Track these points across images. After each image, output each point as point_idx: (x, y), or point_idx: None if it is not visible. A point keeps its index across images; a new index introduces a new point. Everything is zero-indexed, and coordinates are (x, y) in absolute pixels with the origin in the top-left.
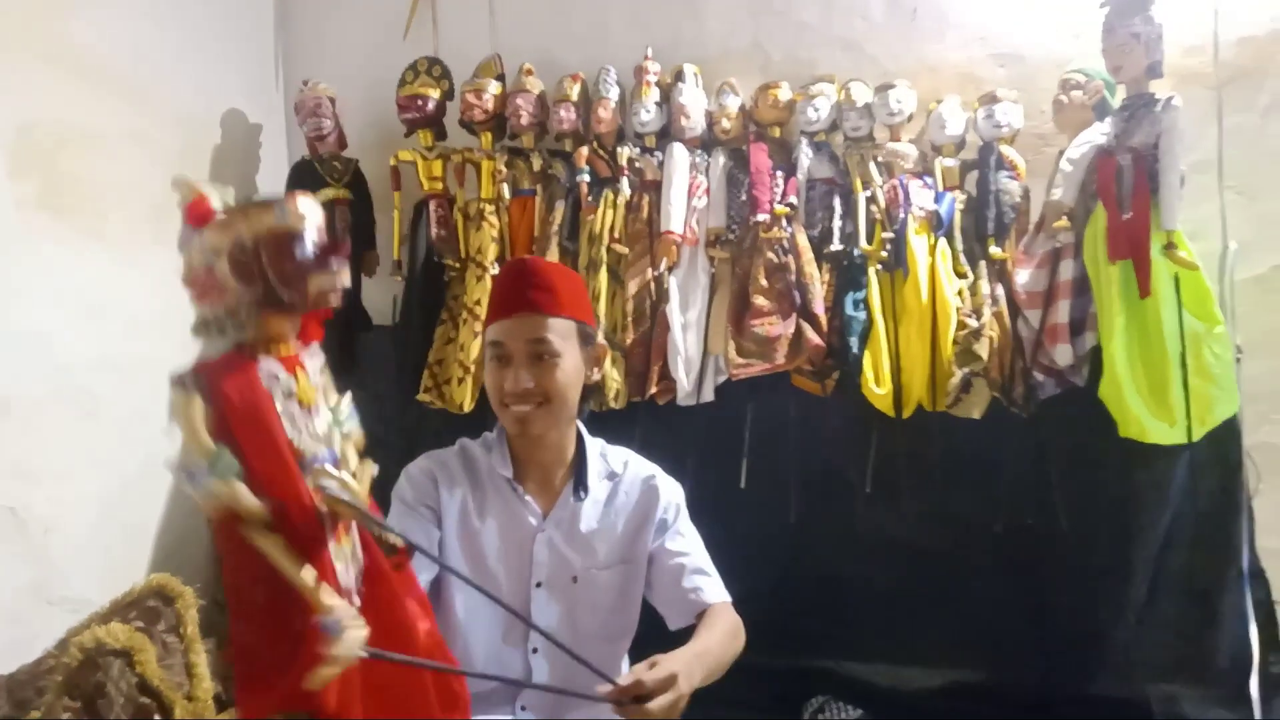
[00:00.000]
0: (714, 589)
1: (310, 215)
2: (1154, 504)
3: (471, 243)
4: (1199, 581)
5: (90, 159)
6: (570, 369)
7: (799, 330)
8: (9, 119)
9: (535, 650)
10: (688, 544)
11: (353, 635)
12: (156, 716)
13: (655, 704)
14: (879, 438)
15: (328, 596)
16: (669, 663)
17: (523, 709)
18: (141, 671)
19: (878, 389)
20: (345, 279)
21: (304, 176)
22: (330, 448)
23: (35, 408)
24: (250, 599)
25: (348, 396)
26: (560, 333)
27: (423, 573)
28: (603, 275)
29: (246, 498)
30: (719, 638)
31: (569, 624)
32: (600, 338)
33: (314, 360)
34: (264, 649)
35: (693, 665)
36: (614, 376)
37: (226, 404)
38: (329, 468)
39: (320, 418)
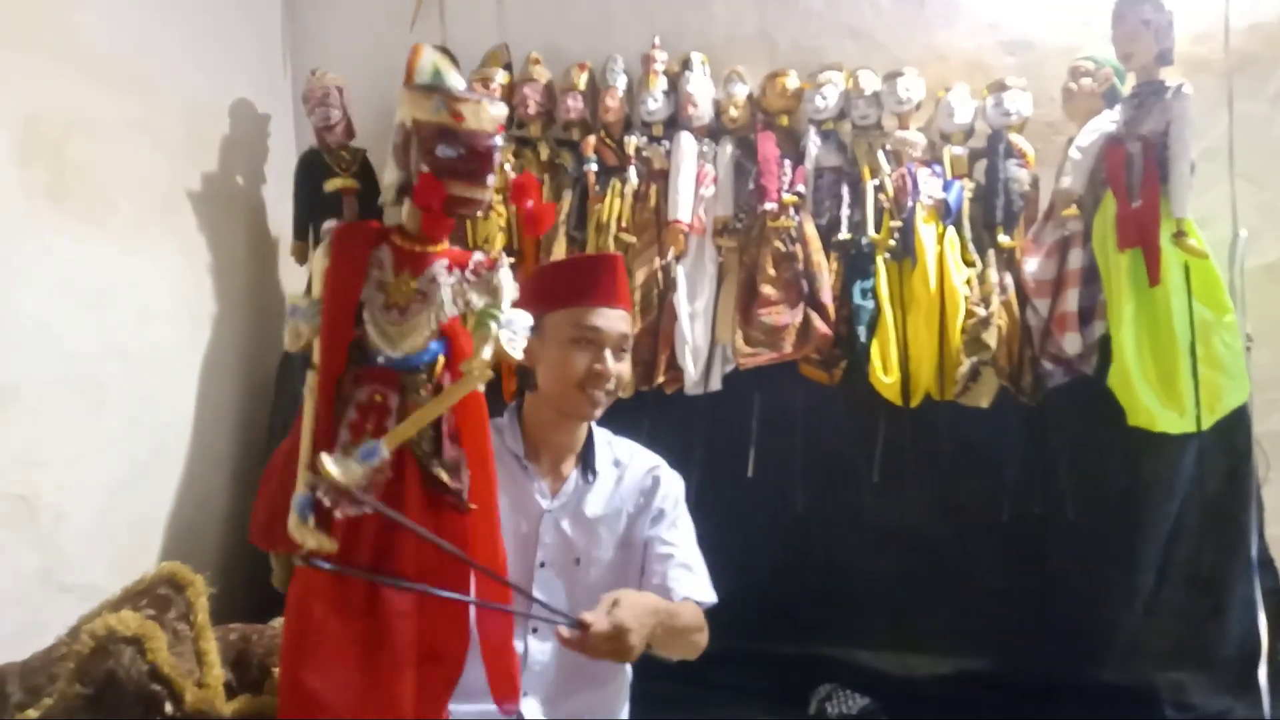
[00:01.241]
0: (690, 584)
1: (472, 117)
2: (1162, 493)
3: (479, 233)
4: (1207, 570)
5: (97, 149)
6: (629, 363)
7: (806, 319)
8: (16, 109)
9: (535, 630)
10: (679, 536)
11: (302, 495)
12: (167, 704)
13: (596, 635)
14: (886, 426)
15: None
16: (623, 614)
17: (524, 694)
18: (152, 659)
19: (885, 378)
20: (487, 195)
21: (312, 166)
22: (396, 353)
23: (43, 396)
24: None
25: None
26: (630, 330)
27: None
28: None
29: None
30: (688, 614)
31: (570, 606)
32: None
33: (449, 275)
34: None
35: (645, 621)
36: None
37: (330, 261)
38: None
39: (409, 324)
